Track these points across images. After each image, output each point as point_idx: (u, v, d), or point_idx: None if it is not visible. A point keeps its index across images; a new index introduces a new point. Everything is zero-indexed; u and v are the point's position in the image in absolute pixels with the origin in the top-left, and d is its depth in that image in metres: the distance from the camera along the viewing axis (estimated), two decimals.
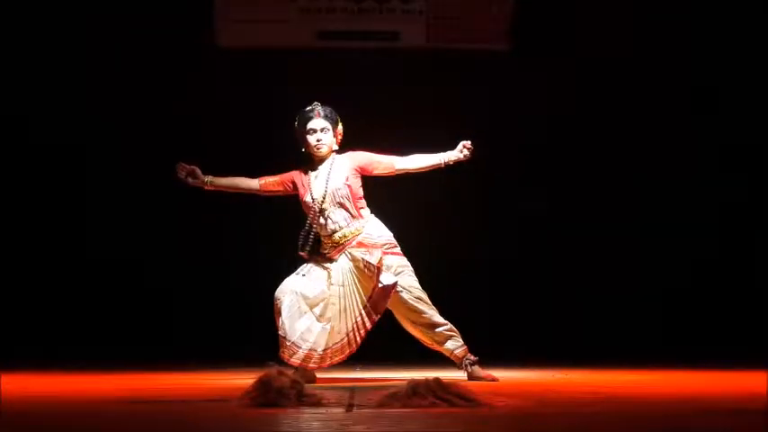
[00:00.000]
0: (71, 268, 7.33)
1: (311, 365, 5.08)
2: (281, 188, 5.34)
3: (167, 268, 7.31)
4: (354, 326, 5.09)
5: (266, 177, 5.35)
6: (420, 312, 5.20)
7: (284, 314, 5.10)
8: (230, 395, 4.18)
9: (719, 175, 7.33)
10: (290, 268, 5.25)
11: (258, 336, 6.49)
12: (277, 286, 5.17)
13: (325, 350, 5.08)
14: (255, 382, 3.99)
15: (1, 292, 6.93)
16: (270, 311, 5.22)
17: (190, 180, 5.30)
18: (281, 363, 4.98)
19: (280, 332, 5.12)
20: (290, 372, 4.10)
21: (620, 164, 7.42)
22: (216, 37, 7.28)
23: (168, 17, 7.22)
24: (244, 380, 4.28)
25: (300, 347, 5.08)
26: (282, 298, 5.13)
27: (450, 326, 5.24)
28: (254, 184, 5.36)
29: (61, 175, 7.37)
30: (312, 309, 5.11)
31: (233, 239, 7.39)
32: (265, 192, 5.36)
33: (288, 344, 5.09)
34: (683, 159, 7.41)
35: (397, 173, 5.31)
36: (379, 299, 5.10)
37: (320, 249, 5.28)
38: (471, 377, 5.15)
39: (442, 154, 5.23)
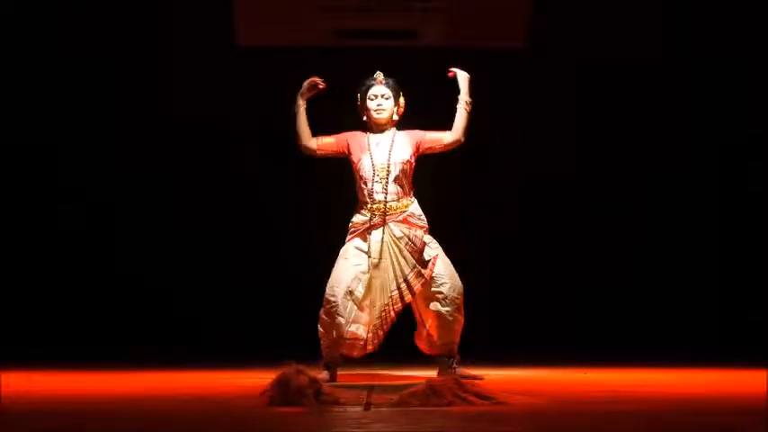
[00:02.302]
0: (74, 267, 7.35)
1: (369, 348, 5.08)
2: (335, 148, 5.27)
3: (168, 266, 7.35)
4: (390, 300, 5.10)
5: (321, 137, 5.29)
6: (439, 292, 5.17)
7: (347, 317, 5.05)
8: (247, 394, 4.24)
9: (720, 174, 7.44)
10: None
11: (276, 334, 6.65)
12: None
13: (374, 326, 5.08)
14: (273, 382, 4.03)
15: (3, 292, 6.98)
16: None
17: (305, 90, 5.25)
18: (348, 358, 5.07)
19: (347, 336, 5.05)
20: (308, 370, 4.11)
21: (625, 167, 7.52)
22: (235, 36, 7.31)
23: (186, 16, 7.28)
24: (260, 379, 4.31)
25: (363, 338, 5.08)
26: (338, 301, 5.06)
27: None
28: (312, 143, 5.29)
29: (64, 174, 7.41)
30: (364, 297, 5.09)
31: (246, 236, 7.46)
32: (321, 152, 5.28)
33: (361, 343, 5.07)
34: (683, 159, 7.51)
35: (445, 148, 5.31)
36: (418, 275, 5.11)
37: (359, 212, 5.24)
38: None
39: (458, 105, 5.29)
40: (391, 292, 5.12)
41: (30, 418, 3.84)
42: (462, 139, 5.31)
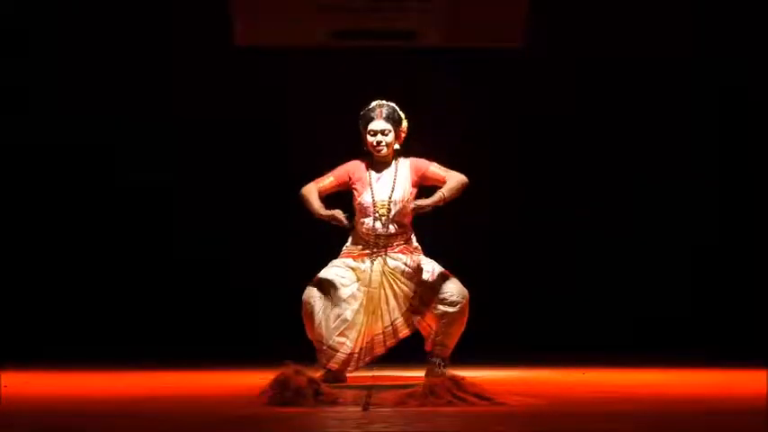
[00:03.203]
0: (75, 266, 7.35)
1: (350, 369, 5.06)
2: (336, 185, 5.22)
3: (167, 267, 7.35)
4: (390, 329, 5.07)
5: (320, 182, 5.22)
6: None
7: (318, 318, 5.04)
8: (246, 394, 4.25)
9: (720, 174, 7.44)
10: (317, 266, 5.24)
11: (271, 334, 6.65)
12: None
13: (360, 351, 5.06)
14: (272, 382, 4.05)
15: (4, 291, 6.99)
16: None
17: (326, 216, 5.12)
18: (324, 367, 5.03)
19: (315, 337, 5.06)
20: (307, 370, 4.13)
21: (625, 164, 7.53)
22: (233, 36, 7.30)
23: (183, 16, 7.30)
24: (260, 379, 4.31)
25: (338, 351, 5.03)
26: (313, 302, 5.06)
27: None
28: (314, 196, 5.20)
29: (63, 173, 7.40)
30: (344, 311, 5.06)
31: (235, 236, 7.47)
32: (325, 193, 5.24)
33: (325, 348, 5.03)
34: (684, 160, 7.51)
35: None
36: (423, 293, 5.09)
37: (354, 241, 5.23)
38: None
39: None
40: (394, 320, 5.10)
41: (30, 418, 3.84)
42: (467, 180, 5.21)
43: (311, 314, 5.07)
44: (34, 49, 7.29)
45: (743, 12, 7.04)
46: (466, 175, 5.26)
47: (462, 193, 5.23)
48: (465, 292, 5.16)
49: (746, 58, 7.13)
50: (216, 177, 7.41)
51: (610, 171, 7.49)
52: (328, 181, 5.26)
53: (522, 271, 7.40)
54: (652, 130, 7.49)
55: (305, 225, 7.16)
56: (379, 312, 5.09)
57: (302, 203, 5.24)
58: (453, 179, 5.19)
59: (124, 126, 7.38)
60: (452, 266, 5.27)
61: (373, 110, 5.22)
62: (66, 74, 7.33)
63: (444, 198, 5.16)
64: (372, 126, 5.21)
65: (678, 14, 7.34)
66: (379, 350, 5.14)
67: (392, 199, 5.17)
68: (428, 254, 5.29)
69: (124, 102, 7.37)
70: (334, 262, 5.22)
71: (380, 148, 5.20)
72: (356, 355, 5.08)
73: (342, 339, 5.06)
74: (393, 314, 5.10)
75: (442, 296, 5.12)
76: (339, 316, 5.07)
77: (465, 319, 5.16)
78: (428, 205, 5.14)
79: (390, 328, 5.10)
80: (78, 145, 7.38)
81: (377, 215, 5.16)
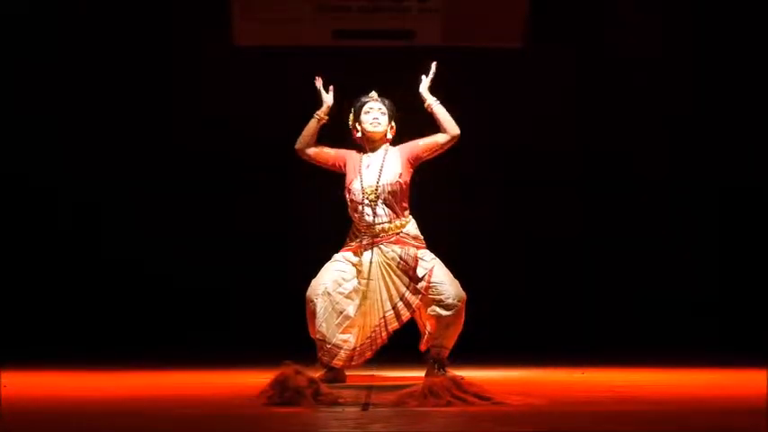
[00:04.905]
0: (75, 267, 7.36)
1: (352, 364, 5.08)
2: (332, 161, 5.27)
3: (168, 267, 7.36)
4: (383, 321, 5.08)
5: (323, 147, 5.28)
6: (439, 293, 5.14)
7: (320, 317, 5.06)
8: (246, 394, 4.24)
9: (721, 173, 7.44)
10: (316, 266, 5.25)
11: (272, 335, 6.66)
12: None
13: (361, 346, 5.08)
14: (272, 382, 4.05)
15: (6, 291, 7.00)
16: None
17: (322, 94, 5.27)
18: (325, 366, 5.04)
19: (317, 336, 5.08)
20: (307, 370, 4.13)
21: (625, 163, 7.53)
22: (232, 36, 7.31)
23: (183, 16, 7.31)
24: (259, 379, 4.31)
25: (342, 348, 5.06)
26: (315, 300, 5.07)
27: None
28: (310, 149, 5.28)
29: (62, 172, 7.42)
30: (347, 307, 5.08)
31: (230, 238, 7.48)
32: (316, 160, 5.29)
33: (328, 346, 5.05)
34: (685, 159, 7.51)
35: (443, 147, 5.25)
36: (414, 291, 5.09)
37: (351, 235, 5.24)
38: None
39: (432, 106, 5.24)
40: (385, 312, 5.11)
41: (30, 418, 3.84)
42: (459, 132, 5.24)
43: (313, 312, 5.10)
44: (35, 50, 7.31)
45: (743, 12, 7.05)
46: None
47: (448, 130, 5.21)
48: (462, 294, 5.16)
49: (746, 57, 7.15)
50: (217, 177, 7.42)
51: (609, 169, 7.49)
52: (328, 151, 5.30)
53: (522, 271, 7.39)
54: (651, 129, 7.50)
55: (305, 224, 7.23)
56: (377, 306, 5.11)
57: (302, 142, 5.28)
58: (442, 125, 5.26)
59: (124, 127, 7.41)
60: (453, 266, 5.26)
61: (370, 96, 5.29)
62: (66, 73, 7.35)
63: (433, 107, 5.23)
64: (370, 105, 5.27)
65: (678, 14, 7.36)
66: (380, 342, 5.14)
67: (380, 184, 5.18)
68: (429, 247, 5.29)
69: (122, 102, 7.38)
70: (336, 256, 5.24)
71: (377, 123, 5.24)
72: (358, 350, 5.10)
73: (345, 336, 5.08)
74: (385, 306, 5.11)
75: (437, 298, 5.12)
76: (341, 312, 5.08)
77: (461, 320, 5.16)
78: (425, 90, 5.23)
79: (383, 320, 5.11)
80: (85, 145, 7.40)
81: (366, 201, 5.17)
